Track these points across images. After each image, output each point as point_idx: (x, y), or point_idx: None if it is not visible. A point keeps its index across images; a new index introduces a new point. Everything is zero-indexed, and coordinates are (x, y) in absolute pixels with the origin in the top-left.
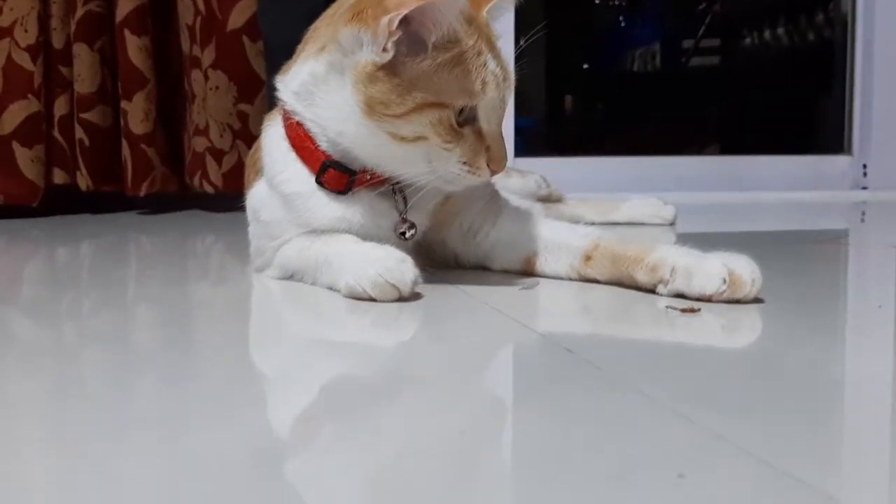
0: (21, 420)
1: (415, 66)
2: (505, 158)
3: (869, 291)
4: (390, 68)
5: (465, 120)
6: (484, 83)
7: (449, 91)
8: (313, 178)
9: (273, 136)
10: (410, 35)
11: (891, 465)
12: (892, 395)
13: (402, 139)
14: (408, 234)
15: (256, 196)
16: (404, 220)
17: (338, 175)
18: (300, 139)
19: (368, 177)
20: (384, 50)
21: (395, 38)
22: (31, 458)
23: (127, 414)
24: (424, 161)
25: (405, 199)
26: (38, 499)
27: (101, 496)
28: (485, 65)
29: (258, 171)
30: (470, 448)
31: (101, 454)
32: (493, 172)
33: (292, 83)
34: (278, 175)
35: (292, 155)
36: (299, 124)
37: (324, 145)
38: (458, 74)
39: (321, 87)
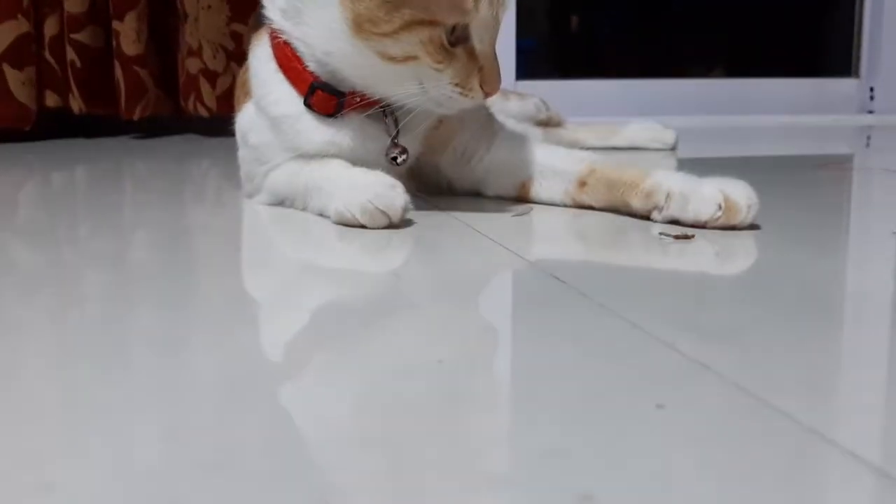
0: (21, 341)
1: None
2: (499, 79)
3: (870, 217)
4: None
5: (457, 39)
6: (477, 0)
7: (439, 8)
8: (301, 100)
9: (260, 56)
10: None
11: (885, 399)
12: (891, 322)
13: (392, 59)
14: (399, 160)
15: (245, 119)
16: (395, 145)
17: (326, 97)
18: (287, 59)
19: (358, 99)
20: None
21: None
22: (32, 377)
23: (126, 334)
24: (415, 82)
25: (396, 123)
26: (41, 417)
27: (102, 412)
28: None
29: (247, 93)
30: (453, 372)
31: (102, 372)
32: (487, 94)
33: (279, 2)
34: (266, 97)
35: (280, 76)
36: (286, 43)
37: (312, 66)
38: None
39: (307, 3)
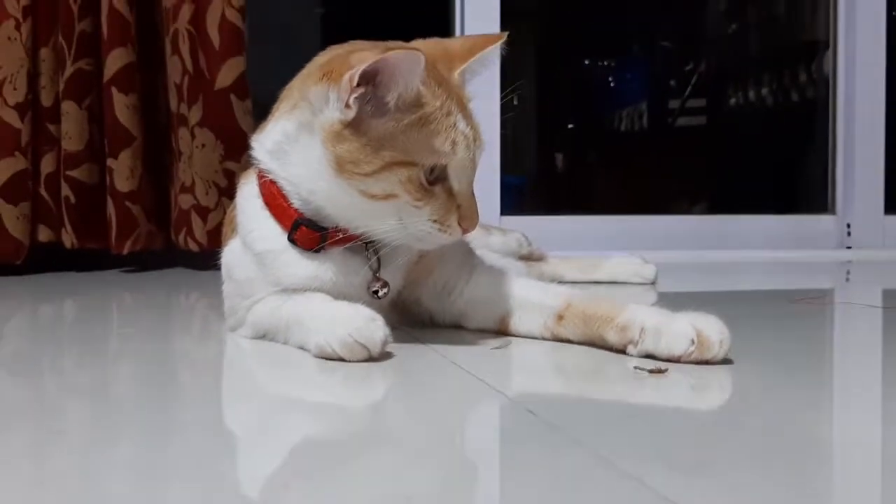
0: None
1: (381, 126)
2: (476, 217)
3: (847, 352)
4: (357, 127)
5: (436, 179)
6: (454, 143)
7: (417, 150)
8: (285, 236)
9: (247, 193)
10: (376, 94)
11: None
12: (861, 459)
13: (373, 196)
14: (380, 293)
15: (230, 254)
16: (377, 279)
17: (309, 233)
18: (273, 197)
19: (340, 234)
20: (347, 106)
21: (356, 94)
22: None
23: (104, 467)
24: (395, 218)
25: (378, 257)
26: None
27: None
28: (454, 125)
29: (234, 229)
30: None
31: None
32: (465, 231)
33: (266, 142)
34: (251, 233)
35: (265, 213)
36: (273, 182)
37: (296, 203)
38: (427, 134)
39: (293, 145)
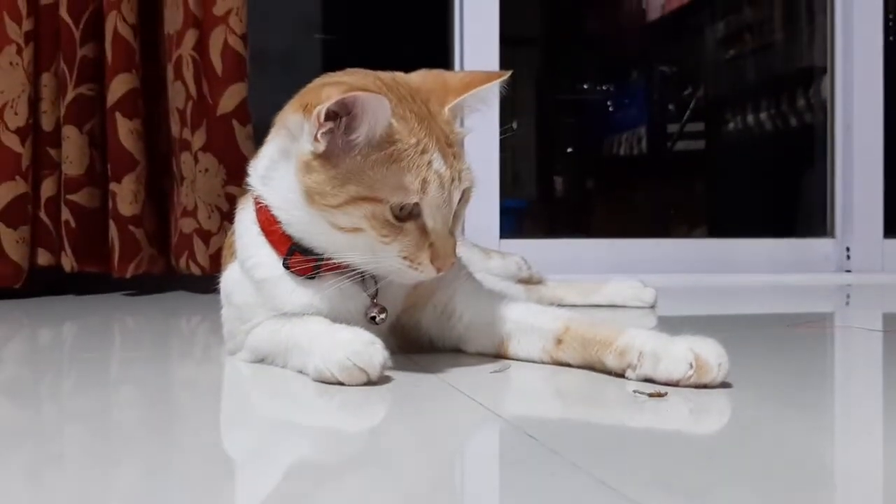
0: None
1: (348, 160)
2: (451, 256)
3: (848, 376)
4: (327, 159)
5: (408, 215)
6: (425, 182)
7: (383, 187)
8: (281, 262)
9: (244, 219)
10: (346, 128)
11: None
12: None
13: (341, 228)
14: (378, 319)
15: (230, 279)
16: (374, 304)
17: (304, 259)
18: (268, 222)
19: (335, 263)
20: (316, 140)
21: (324, 129)
22: None
23: (102, 492)
24: (368, 251)
25: (375, 283)
26: None
27: None
28: (429, 164)
29: (233, 254)
30: None
31: None
32: (438, 269)
33: (258, 167)
34: (249, 259)
35: (262, 239)
36: (266, 208)
37: (290, 230)
38: (395, 171)
39: (276, 171)
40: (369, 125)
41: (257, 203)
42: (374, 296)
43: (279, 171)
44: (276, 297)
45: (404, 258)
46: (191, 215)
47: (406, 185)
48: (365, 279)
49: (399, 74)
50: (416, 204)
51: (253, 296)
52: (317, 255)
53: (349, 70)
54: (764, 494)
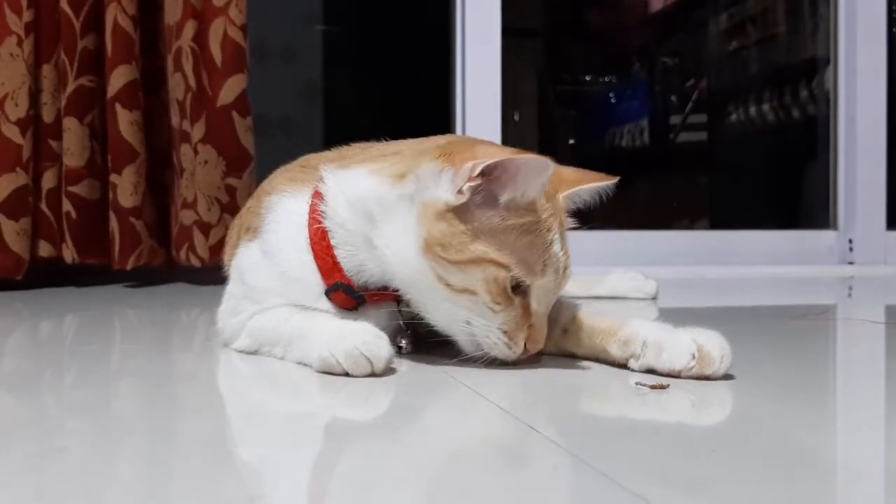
0: (0, 491)
1: (484, 219)
2: (542, 342)
3: (850, 368)
4: (460, 213)
5: (518, 290)
6: (545, 264)
7: (512, 255)
8: (322, 288)
9: (293, 219)
10: (489, 189)
11: None
12: (863, 476)
13: (449, 286)
14: (405, 349)
15: (246, 257)
16: (405, 334)
17: (347, 299)
18: (323, 250)
19: (377, 298)
20: (459, 192)
21: (473, 183)
22: None
23: (104, 486)
24: (465, 315)
25: (411, 321)
26: None
27: None
28: (551, 244)
29: (255, 230)
30: None
31: None
32: (527, 353)
33: (349, 189)
34: (291, 264)
35: (309, 257)
36: (326, 232)
37: (344, 261)
38: (525, 244)
39: (385, 211)
40: (521, 190)
41: (315, 217)
42: (406, 331)
43: (393, 212)
44: (305, 299)
45: (504, 332)
46: (190, 207)
47: (532, 263)
48: (400, 309)
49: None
50: (528, 284)
51: (273, 281)
52: (360, 296)
53: (475, 139)
54: (765, 486)
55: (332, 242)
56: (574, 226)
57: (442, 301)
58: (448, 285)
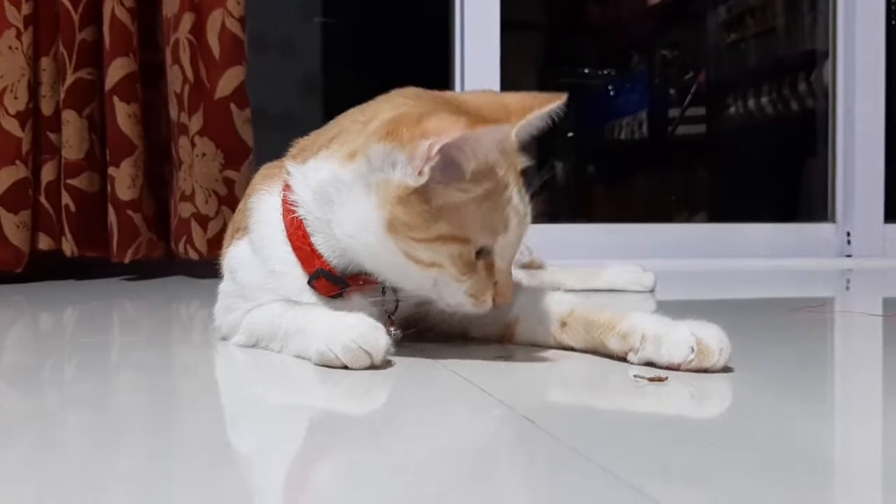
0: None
1: (446, 196)
2: (511, 293)
3: (848, 361)
4: (421, 193)
5: (481, 253)
6: (506, 221)
7: (474, 227)
8: (305, 277)
9: (270, 215)
10: (446, 162)
11: None
12: (861, 469)
13: (417, 262)
14: (393, 336)
15: (236, 255)
16: (392, 321)
17: (329, 285)
18: (299, 239)
19: (361, 282)
20: (419, 174)
21: (432, 163)
22: None
23: (104, 480)
24: (431, 284)
25: (396, 302)
26: None
27: None
28: (510, 200)
29: (244, 230)
30: None
31: None
32: (497, 305)
33: (311, 178)
34: (272, 259)
35: (288, 248)
36: (301, 221)
37: (323, 248)
38: (486, 210)
39: (343, 194)
40: (482, 159)
41: (288, 208)
42: (393, 313)
43: (351, 195)
44: (292, 294)
45: (471, 295)
46: (189, 200)
47: (493, 226)
48: (384, 294)
49: (458, 95)
50: (492, 245)
51: (261, 278)
52: (343, 282)
53: (407, 90)
54: (764, 479)
55: (308, 230)
56: (527, 163)
57: (412, 275)
58: (417, 261)
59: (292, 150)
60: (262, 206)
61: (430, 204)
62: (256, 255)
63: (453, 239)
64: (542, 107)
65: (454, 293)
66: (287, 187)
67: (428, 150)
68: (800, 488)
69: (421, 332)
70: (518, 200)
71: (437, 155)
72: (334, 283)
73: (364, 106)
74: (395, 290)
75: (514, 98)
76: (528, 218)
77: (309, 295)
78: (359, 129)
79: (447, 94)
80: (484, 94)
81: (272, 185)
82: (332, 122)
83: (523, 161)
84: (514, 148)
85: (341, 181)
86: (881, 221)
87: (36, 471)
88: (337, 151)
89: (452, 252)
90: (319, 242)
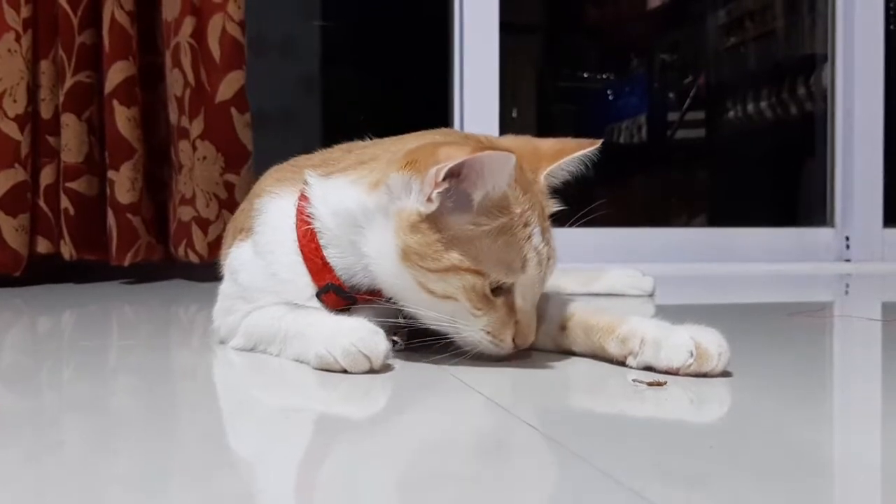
0: None
1: (458, 226)
2: (532, 336)
3: (847, 365)
4: (434, 221)
5: (500, 291)
6: (525, 261)
7: (488, 261)
8: (311, 288)
9: (281, 220)
10: (459, 192)
11: None
12: (860, 473)
13: (431, 292)
14: (398, 345)
15: (239, 256)
16: (398, 331)
17: (338, 299)
18: (312, 251)
19: (369, 299)
20: (429, 200)
21: (440, 189)
22: None
23: (102, 482)
24: (449, 316)
25: (403, 315)
26: None
27: None
28: (529, 238)
29: (248, 230)
30: None
31: None
32: (517, 347)
33: (332, 195)
34: (278, 264)
35: (299, 258)
36: (315, 233)
37: (334, 261)
38: (501, 245)
39: (365, 221)
40: (490, 186)
41: (303, 219)
42: (402, 332)
43: (372, 222)
44: (295, 301)
45: (488, 333)
46: (189, 203)
47: (509, 263)
48: (395, 311)
49: (491, 137)
50: (511, 283)
51: (263, 280)
52: (351, 297)
53: (442, 130)
54: (763, 483)
55: (322, 243)
56: (558, 208)
57: (428, 305)
58: (430, 292)
59: (313, 159)
60: (272, 209)
61: (443, 234)
62: (260, 258)
63: (466, 270)
64: (575, 152)
65: (472, 329)
66: (304, 198)
67: (435, 174)
68: (799, 492)
69: (417, 332)
70: (539, 241)
71: (444, 181)
72: (344, 298)
73: (398, 137)
74: (404, 314)
75: (548, 143)
76: (553, 262)
77: (314, 304)
78: (388, 160)
79: (482, 135)
80: (519, 138)
81: (284, 190)
82: (361, 144)
83: (553, 205)
84: (541, 189)
85: (365, 208)
86: (880, 226)
87: (35, 472)
88: (364, 178)
89: (465, 284)
90: (332, 256)
